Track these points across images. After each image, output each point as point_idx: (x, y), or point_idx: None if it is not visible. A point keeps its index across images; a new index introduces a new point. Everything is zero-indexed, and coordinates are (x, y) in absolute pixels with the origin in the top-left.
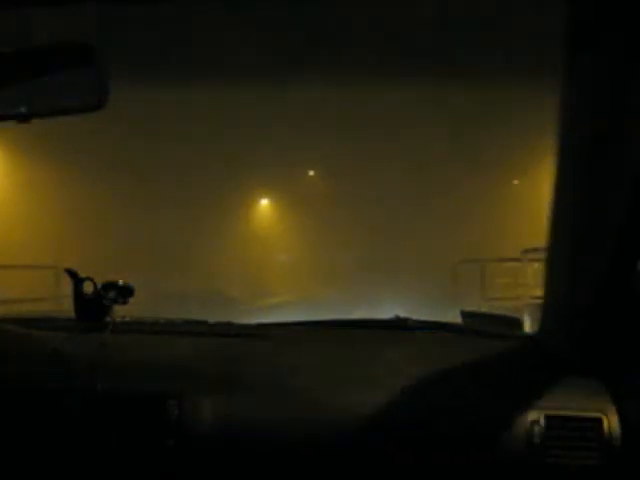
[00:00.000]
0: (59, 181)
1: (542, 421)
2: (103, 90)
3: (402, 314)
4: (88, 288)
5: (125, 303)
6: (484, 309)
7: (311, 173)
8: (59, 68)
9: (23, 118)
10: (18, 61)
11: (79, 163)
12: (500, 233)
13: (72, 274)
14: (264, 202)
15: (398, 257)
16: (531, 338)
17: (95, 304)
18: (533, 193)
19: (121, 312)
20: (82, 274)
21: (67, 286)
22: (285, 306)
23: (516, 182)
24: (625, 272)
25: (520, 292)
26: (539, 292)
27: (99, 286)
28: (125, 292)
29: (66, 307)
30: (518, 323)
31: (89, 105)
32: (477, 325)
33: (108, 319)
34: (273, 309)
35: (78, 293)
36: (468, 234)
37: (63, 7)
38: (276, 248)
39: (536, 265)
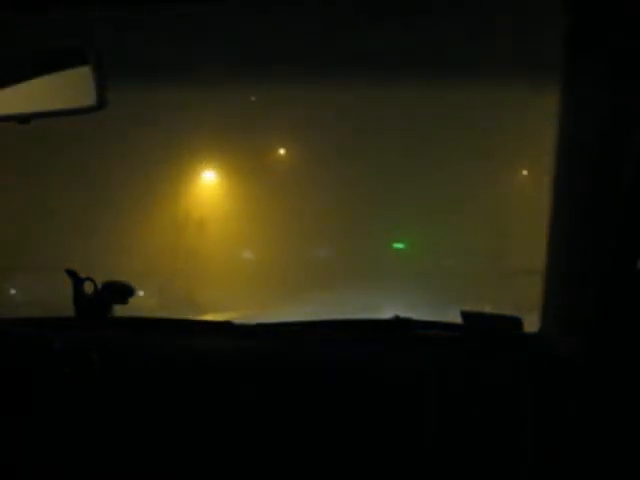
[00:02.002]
0: None
1: (543, 422)
2: (103, 91)
3: (402, 314)
4: (88, 288)
5: (125, 303)
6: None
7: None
8: (59, 69)
9: (23, 119)
10: (19, 62)
11: None
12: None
13: (72, 274)
14: (209, 176)
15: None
16: (531, 338)
17: (95, 304)
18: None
19: (121, 312)
20: None
21: None
22: None
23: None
24: (625, 272)
25: None
26: None
27: (99, 286)
28: (125, 292)
29: None
30: (518, 323)
31: (89, 106)
32: (477, 325)
33: (108, 319)
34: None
35: (78, 293)
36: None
37: (63, 9)
38: (224, 240)
39: None
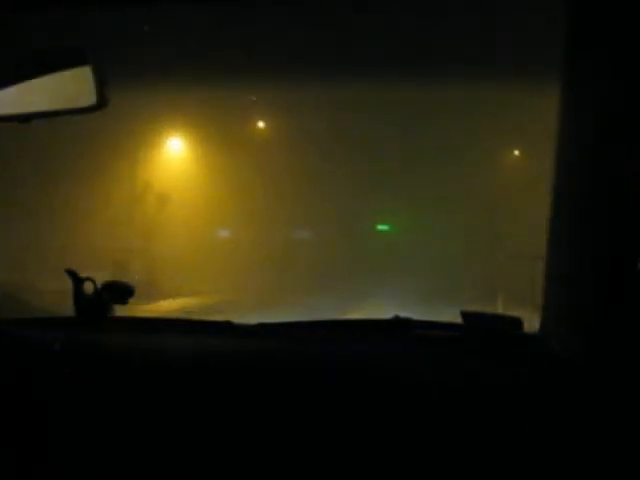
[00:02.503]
0: None
1: (543, 422)
2: (103, 91)
3: (402, 314)
4: (88, 288)
5: (125, 303)
6: None
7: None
8: (59, 69)
9: (24, 119)
10: (19, 62)
11: None
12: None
13: (72, 274)
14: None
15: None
16: (531, 338)
17: (95, 304)
18: None
19: (121, 312)
20: None
21: None
22: None
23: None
24: (625, 272)
25: None
26: None
27: (99, 286)
28: (125, 292)
29: None
30: (518, 323)
31: (89, 106)
32: (477, 325)
33: (108, 319)
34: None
35: (78, 293)
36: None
37: (64, 9)
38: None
39: None
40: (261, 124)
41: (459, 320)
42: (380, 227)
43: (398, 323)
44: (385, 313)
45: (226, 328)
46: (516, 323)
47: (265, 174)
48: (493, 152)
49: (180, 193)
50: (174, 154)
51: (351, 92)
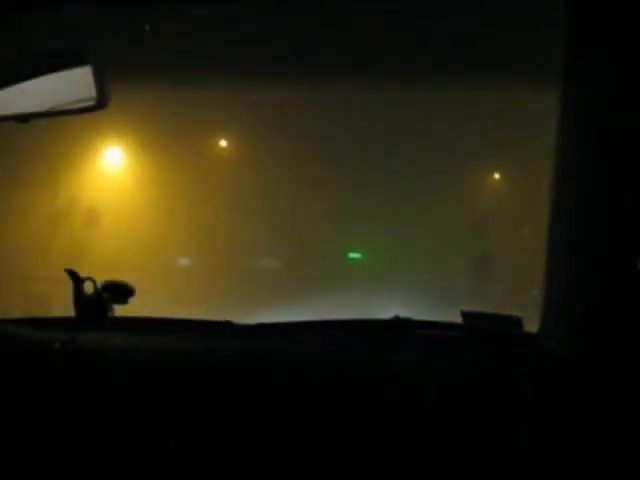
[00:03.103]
0: None
1: (543, 422)
2: (103, 91)
3: (402, 314)
4: (88, 288)
5: (125, 303)
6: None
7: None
8: (59, 69)
9: (22, 119)
10: (19, 62)
11: None
12: None
13: (72, 274)
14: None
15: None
16: (531, 338)
17: (95, 304)
18: None
19: (121, 312)
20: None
21: None
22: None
23: None
24: (625, 272)
25: None
26: None
27: (99, 286)
28: (125, 292)
29: None
30: (518, 323)
31: (89, 106)
32: (477, 325)
33: (108, 319)
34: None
35: (78, 293)
36: None
37: (64, 9)
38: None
39: None
40: (224, 143)
41: (459, 320)
42: (351, 255)
43: (398, 323)
44: (385, 313)
45: (226, 328)
46: (516, 323)
47: (224, 195)
48: (489, 168)
49: (117, 211)
50: (112, 166)
51: (335, 103)
